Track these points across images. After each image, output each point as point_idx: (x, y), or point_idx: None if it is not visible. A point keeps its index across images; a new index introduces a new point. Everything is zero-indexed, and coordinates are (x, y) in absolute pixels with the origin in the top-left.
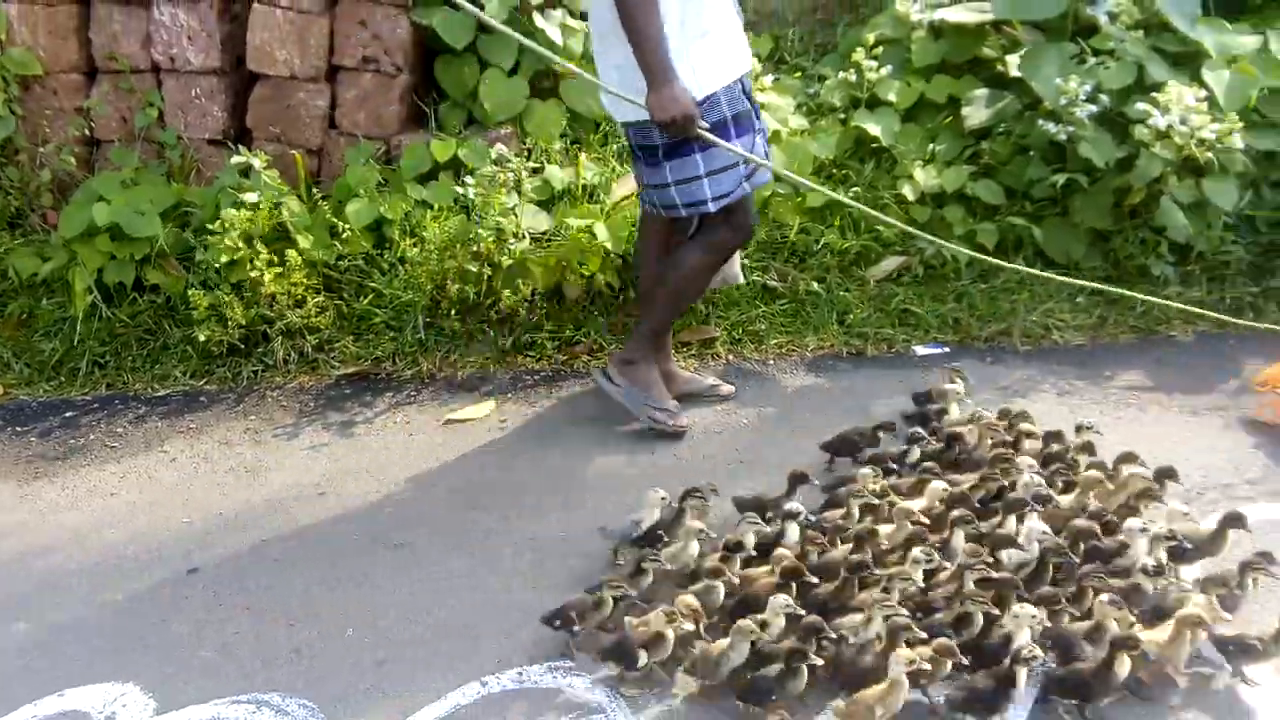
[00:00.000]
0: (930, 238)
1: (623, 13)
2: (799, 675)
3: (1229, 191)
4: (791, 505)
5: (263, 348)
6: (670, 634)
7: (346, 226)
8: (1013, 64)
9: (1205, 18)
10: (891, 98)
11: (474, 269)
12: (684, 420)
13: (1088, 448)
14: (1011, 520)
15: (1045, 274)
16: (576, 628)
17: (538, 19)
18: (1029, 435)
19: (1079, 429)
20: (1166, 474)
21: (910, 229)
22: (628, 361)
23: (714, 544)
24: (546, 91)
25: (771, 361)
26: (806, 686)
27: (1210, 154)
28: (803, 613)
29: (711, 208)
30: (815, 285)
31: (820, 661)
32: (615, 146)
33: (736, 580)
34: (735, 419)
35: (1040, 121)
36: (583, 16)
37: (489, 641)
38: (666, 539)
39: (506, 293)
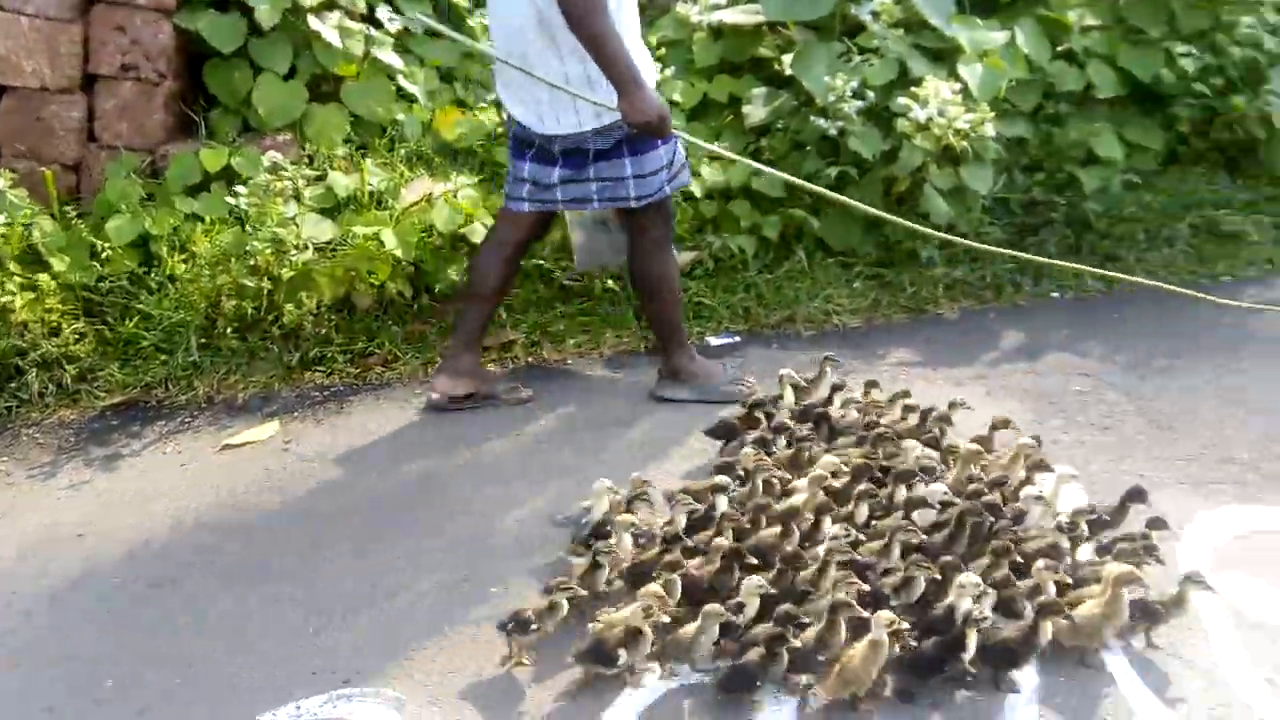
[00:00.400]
0: (946, 236)
1: (579, 25)
2: (779, 660)
3: (984, 177)
4: (719, 479)
5: (16, 381)
6: (648, 630)
7: (107, 245)
8: (787, 63)
9: (960, 15)
10: (677, 98)
11: (251, 283)
12: (750, 380)
13: (945, 419)
14: (902, 490)
15: (1068, 263)
16: (534, 626)
17: (313, 21)
18: (909, 410)
19: (951, 405)
20: (1002, 424)
21: (921, 228)
22: (674, 373)
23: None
24: (327, 96)
25: (570, 361)
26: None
27: (966, 143)
28: (775, 593)
29: (633, 205)
30: (611, 282)
31: (799, 644)
32: (403, 151)
33: (696, 573)
34: (534, 421)
35: (813, 118)
36: (365, 19)
37: (261, 675)
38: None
39: (289, 306)
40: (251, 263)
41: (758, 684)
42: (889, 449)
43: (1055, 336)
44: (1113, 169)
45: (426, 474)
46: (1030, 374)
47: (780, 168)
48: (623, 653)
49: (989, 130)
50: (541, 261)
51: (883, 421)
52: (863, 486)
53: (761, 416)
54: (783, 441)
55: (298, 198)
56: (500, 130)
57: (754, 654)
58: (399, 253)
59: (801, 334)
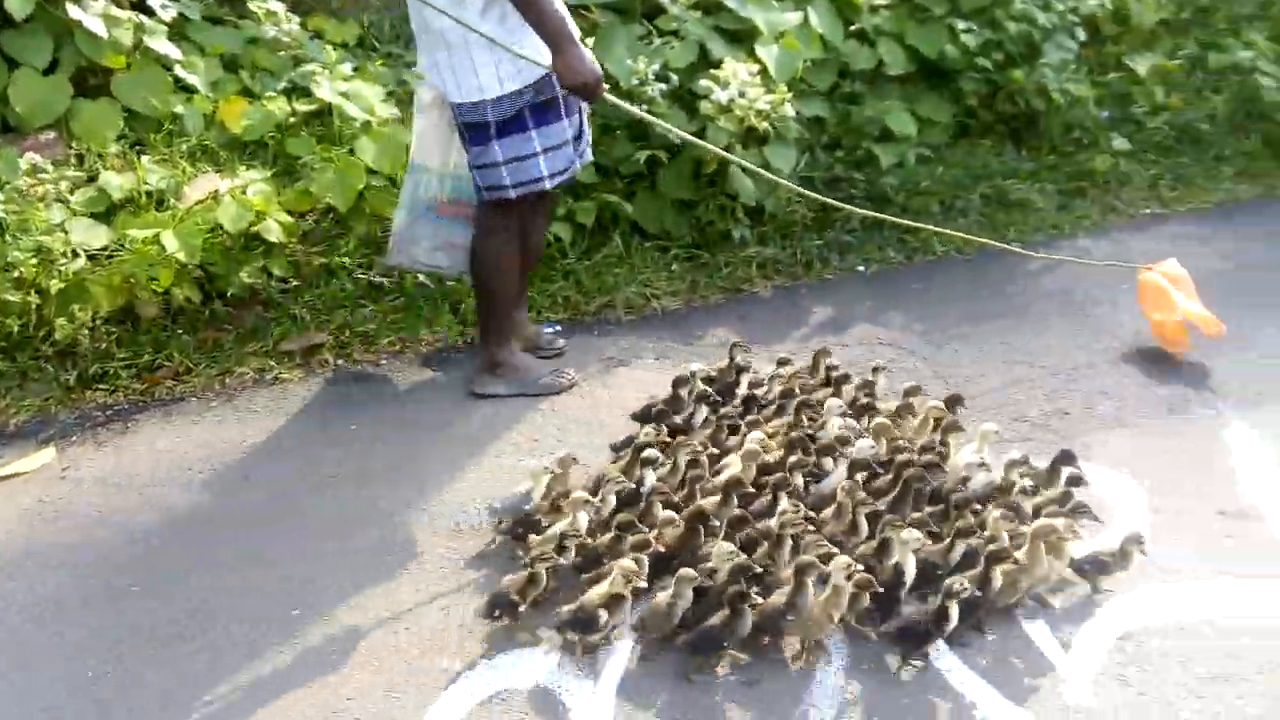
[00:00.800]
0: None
1: None
2: (743, 617)
3: (787, 156)
4: (649, 453)
5: None
6: (629, 594)
7: None
8: (591, 46)
9: None
10: None
11: (15, 298)
12: (571, 372)
13: (868, 386)
14: (829, 461)
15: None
16: (521, 608)
17: (73, 10)
18: (837, 381)
19: (875, 370)
20: (955, 400)
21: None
22: (494, 365)
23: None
24: (97, 90)
25: (384, 361)
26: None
27: (768, 123)
28: (745, 558)
29: (548, 185)
30: (423, 278)
31: (760, 600)
32: (184, 146)
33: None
34: (344, 424)
35: (619, 101)
36: (135, 6)
37: None
38: (545, 523)
39: (61, 321)
40: (16, 275)
41: (724, 646)
42: (810, 415)
43: (861, 309)
44: (907, 144)
45: (224, 492)
46: (840, 346)
47: (594, 153)
48: (604, 614)
49: (789, 110)
50: (345, 259)
51: (800, 391)
52: (795, 458)
53: (684, 395)
54: (703, 414)
55: (63, 201)
56: (293, 120)
57: (718, 617)
58: (182, 256)
59: (622, 320)
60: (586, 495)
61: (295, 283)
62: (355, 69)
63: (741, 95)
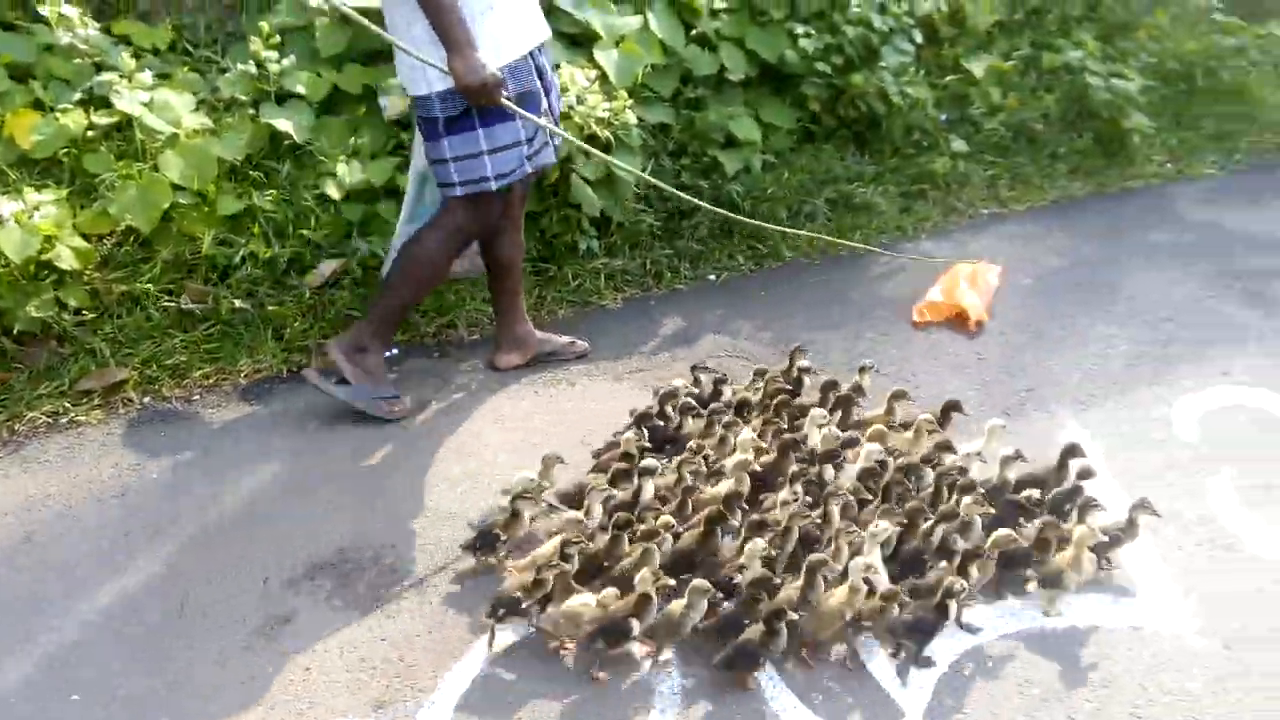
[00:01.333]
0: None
1: None
2: (780, 635)
3: (631, 164)
4: (648, 462)
5: None
6: (655, 595)
7: None
8: None
9: (594, 0)
10: (301, 90)
11: None
12: (407, 402)
13: (858, 389)
14: (829, 469)
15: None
16: (503, 539)
17: None
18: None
19: (862, 369)
20: (953, 407)
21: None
22: (359, 349)
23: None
24: None
25: (198, 396)
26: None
27: (609, 131)
28: (773, 554)
29: (493, 186)
30: (239, 303)
31: (796, 616)
32: None
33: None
34: (143, 473)
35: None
36: None
37: None
38: (505, 538)
39: None
40: None
41: (761, 661)
42: (794, 417)
43: (711, 318)
44: (752, 150)
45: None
46: (688, 359)
47: None
48: (635, 623)
49: (630, 117)
50: (150, 286)
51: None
52: (795, 467)
53: (670, 410)
54: (689, 424)
55: None
56: (91, 134)
57: (753, 632)
58: None
59: (465, 339)
60: (606, 484)
61: (92, 314)
62: (161, 76)
63: (580, 102)
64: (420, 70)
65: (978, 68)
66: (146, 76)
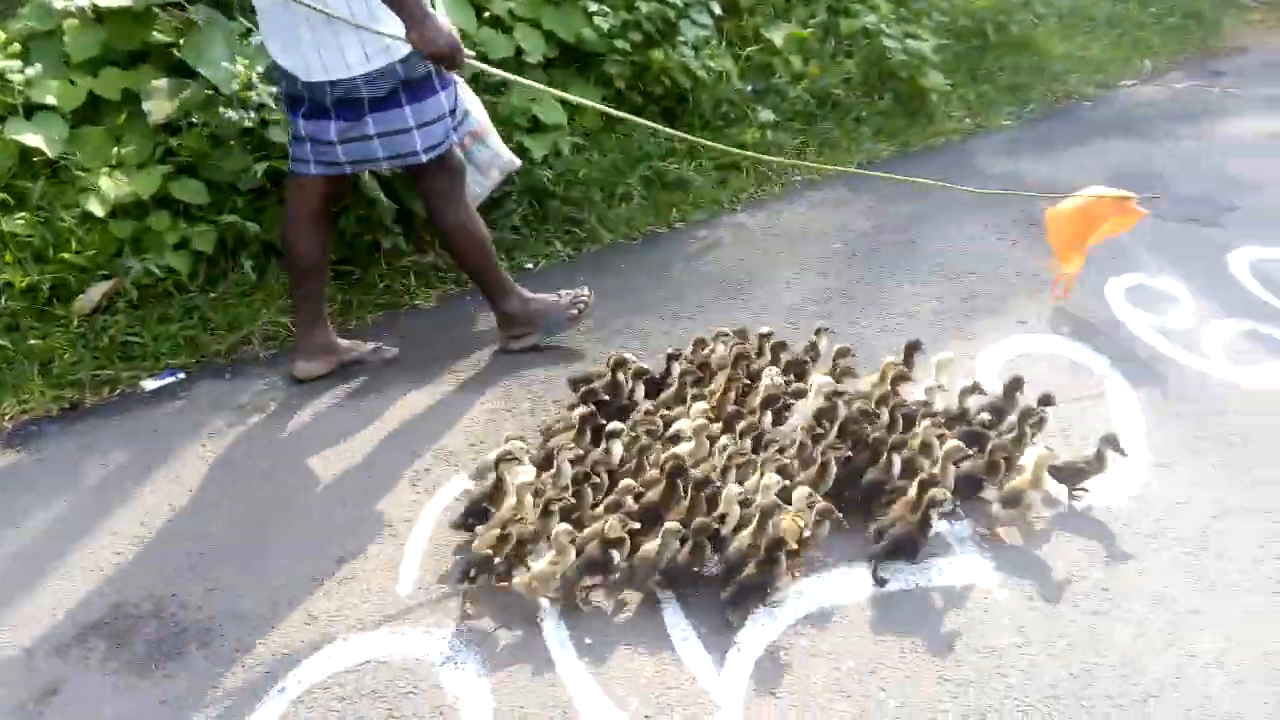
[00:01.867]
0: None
1: None
2: (778, 563)
3: None
4: (614, 425)
5: None
6: (626, 536)
7: None
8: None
9: None
10: (52, 100)
11: None
12: (585, 292)
13: (812, 348)
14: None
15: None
16: (497, 560)
17: None
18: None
19: (818, 331)
20: (914, 348)
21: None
22: (510, 316)
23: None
24: None
25: None
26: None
27: None
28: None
29: (423, 158)
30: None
31: (795, 546)
32: None
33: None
34: None
35: (222, 110)
36: None
37: None
38: (493, 509)
39: None
40: None
41: (768, 591)
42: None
43: None
44: (559, 133)
45: None
46: (509, 357)
47: (206, 168)
48: (615, 554)
49: None
50: None
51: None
52: (746, 421)
53: (623, 377)
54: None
55: None
56: None
57: (752, 567)
58: None
59: (260, 356)
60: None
61: None
62: None
63: None
64: (339, 53)
65: (778, 36)
66: None
